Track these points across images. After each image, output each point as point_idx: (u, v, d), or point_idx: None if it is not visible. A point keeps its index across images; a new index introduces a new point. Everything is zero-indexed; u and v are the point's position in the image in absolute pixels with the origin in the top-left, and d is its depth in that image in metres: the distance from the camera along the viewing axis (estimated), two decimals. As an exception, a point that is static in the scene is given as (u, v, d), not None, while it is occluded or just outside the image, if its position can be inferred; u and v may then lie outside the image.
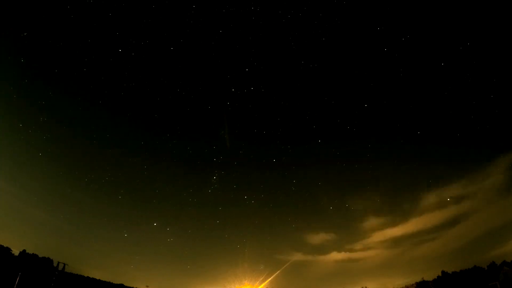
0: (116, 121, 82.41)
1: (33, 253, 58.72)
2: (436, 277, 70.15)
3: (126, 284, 76.98)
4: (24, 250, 58.12)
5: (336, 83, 73.14)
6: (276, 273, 70.71)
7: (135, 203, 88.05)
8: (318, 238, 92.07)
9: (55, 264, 55.51)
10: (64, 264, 53.14)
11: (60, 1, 63.01)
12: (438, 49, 63.96)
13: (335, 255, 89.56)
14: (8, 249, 56.03)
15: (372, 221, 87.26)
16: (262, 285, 67.86)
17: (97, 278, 71.52)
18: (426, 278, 71.50)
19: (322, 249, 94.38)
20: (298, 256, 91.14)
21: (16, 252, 57.13)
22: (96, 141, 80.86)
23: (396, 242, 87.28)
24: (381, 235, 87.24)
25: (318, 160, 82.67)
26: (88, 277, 68.99)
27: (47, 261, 59.20)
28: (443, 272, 69.45)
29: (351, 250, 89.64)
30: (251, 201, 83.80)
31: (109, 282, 73.49)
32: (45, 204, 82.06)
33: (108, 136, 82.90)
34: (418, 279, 72.69)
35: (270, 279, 68.69)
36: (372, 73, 69.89)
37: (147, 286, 77.31)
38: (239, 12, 63.41)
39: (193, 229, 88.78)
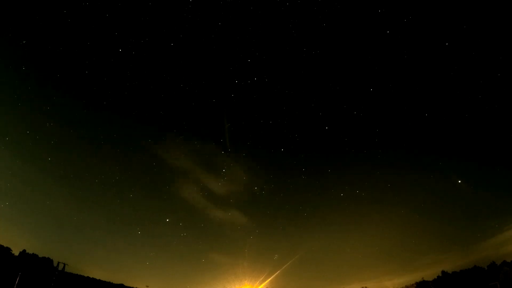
0: (122, 120, 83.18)
1: (33, 253, 58.68)
2: (436, 277, 70.23)
3: (126, 284, 77.05)
4: (24, 250, 58.08)
5: (339, 69, 72.64)
6: (276, 273, 70.67)
7: (147, 200, 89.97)
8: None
9: (55, 264, 55.57)
10: (64, 264, 53.19)
11: (56, 6, 63.07)
12: (441, 29, 62.78)
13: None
14: (8, 249, 56.02)
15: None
16: (262, 285, 67.87)
17: (97, 278, 71.60)
18: (426, 278, 71.65)
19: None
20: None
21: (16, 252, 57.18)
22: (103, 142, 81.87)
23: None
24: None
25: (326, 147, 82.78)
26: (88, 277, 68.97)
27: (47, 261, 59.15)
28: (443, 272, 69.51)
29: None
30: (262, 192, 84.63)
31: (109, 282, 73.46)
32: (59, 207, 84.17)
33: (115, 136, 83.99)
34: (418, 279, 72.82)
35: (270, 279, 68.70)
36: (375, 57, 68.99)
37: (147, 286, 77.38)
38: (237, 3, 63.08)
39: (205, 222, 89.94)
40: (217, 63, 73.07)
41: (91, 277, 69.79)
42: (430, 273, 74.04)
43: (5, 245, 56.03)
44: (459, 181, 74.61)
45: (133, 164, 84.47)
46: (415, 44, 64.92)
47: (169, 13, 65.53)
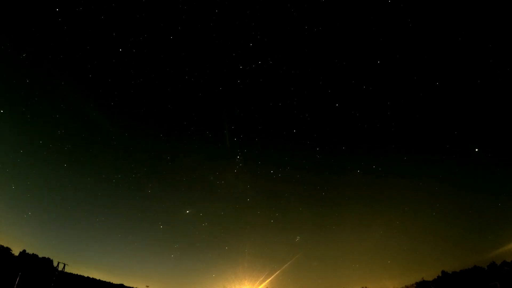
0: (131, 119, 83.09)
1: (33, 253, 58.83)
2: (436, 277, 70.16)
3: (126, 284, 77.26)
4: (24, 250, 58.24)
5: (344, 43, 70.62)
6: (276, 273, 70.81)
7: (165, 194, 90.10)
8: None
9: (55, 264, 55.69)
10: (64, 264, 53.32)
11: (50, 15, 62.78)
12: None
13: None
14: (8, 249, 56.16)
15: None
16: (262, 285, 68.02)
17: (97, 278, 71.81)
18: (426, 278, 71.52)
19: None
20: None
21: (16, 252, 57.33)
22: (116, 142, 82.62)
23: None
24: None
25: (338, 124, 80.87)
26: (88, 277, 69.15)
27: (47, 261, 59.28)
28: (443, 272, 69.48)
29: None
30: (278, 175, 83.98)
31: (109, 282, 73.66)
32: (81, 210, 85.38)
33: (126, 135, 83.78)
34: (418, 279, 72.76)
35: (270, 279, 68.85)
36: (379, 28, 66.73)
37: (147, 286, 77.54)
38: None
39: (225, 211, 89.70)
40: (219, 50, 72.25)
41: (91, 277, 70.06)
42: (430, 273, 73.93)
43: (5, 245, 56.27)
44: (476, 150, 70.17)
45: (148, 160, 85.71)
46: (419, 12, 62.55)
47: (164, 6, 65.24)
